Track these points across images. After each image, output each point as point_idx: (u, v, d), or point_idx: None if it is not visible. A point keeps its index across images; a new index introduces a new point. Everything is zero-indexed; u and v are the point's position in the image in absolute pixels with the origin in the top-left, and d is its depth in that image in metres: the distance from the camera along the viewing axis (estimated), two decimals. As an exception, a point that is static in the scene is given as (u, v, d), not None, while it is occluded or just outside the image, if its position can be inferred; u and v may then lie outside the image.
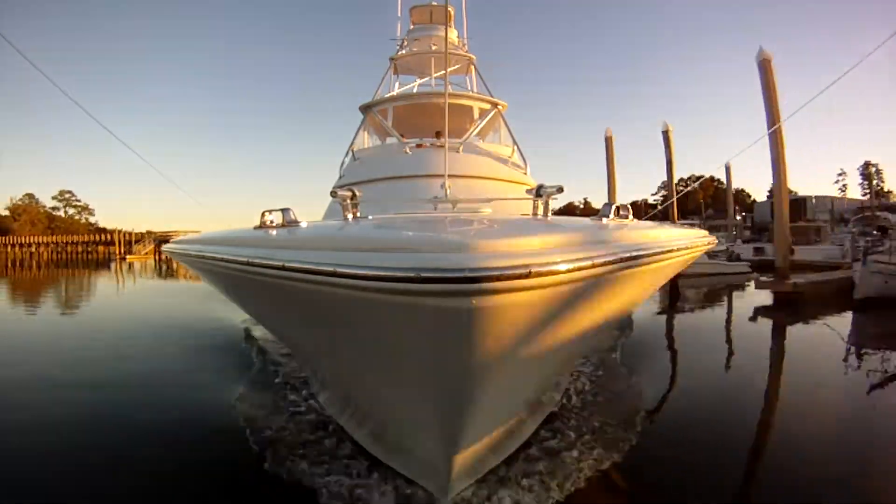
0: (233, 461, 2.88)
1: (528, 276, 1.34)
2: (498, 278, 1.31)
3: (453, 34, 8.65)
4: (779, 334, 7.75)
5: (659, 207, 19.50)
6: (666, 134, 17.47)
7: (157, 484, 2.66)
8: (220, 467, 2.82)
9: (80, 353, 5.97)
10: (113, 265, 31.40)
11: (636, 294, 2.56)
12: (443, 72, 6.18)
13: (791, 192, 23.66)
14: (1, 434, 3.43)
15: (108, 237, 44.60)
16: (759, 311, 9.37)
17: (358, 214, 2.37)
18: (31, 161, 78.83)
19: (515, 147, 6.36)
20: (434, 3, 8.48)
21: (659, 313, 9.35)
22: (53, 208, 50.83)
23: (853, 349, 6.36)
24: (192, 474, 2.75)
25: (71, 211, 51.91)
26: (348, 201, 2.33)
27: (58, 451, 3.10)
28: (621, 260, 1.70)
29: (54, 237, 44.75)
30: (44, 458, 2.98)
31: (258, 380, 4.43)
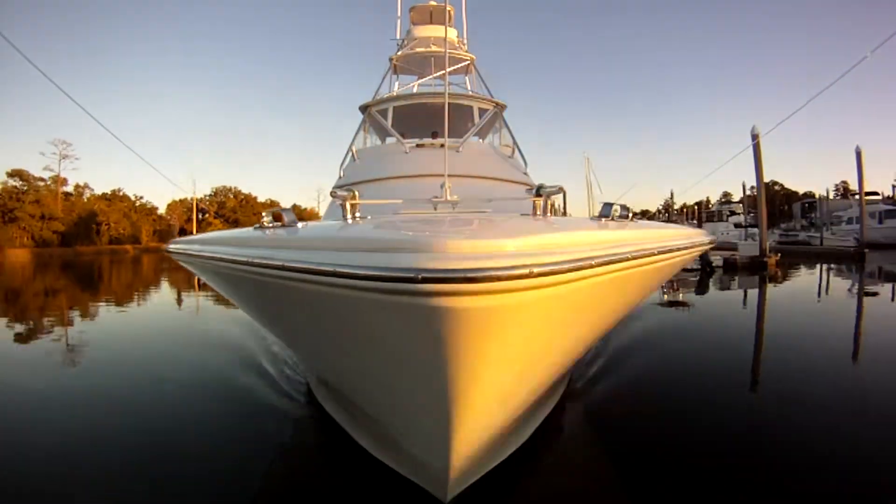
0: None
1: (528, 276, 1.33)
2: (498, 279, 1.30)
3: (453, 34, 8.66)
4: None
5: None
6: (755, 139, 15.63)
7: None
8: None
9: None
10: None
11: (637, 294, 2.56)
12: (443, 72, 6.18)
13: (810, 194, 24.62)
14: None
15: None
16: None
17: (358, 214, 2.36)
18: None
19: (515, 147, 6.36)
20: (434, 3, 8.49)
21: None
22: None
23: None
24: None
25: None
26: (348, 201, 2.33)
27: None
28: (622, 260, 1.69)
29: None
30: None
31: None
